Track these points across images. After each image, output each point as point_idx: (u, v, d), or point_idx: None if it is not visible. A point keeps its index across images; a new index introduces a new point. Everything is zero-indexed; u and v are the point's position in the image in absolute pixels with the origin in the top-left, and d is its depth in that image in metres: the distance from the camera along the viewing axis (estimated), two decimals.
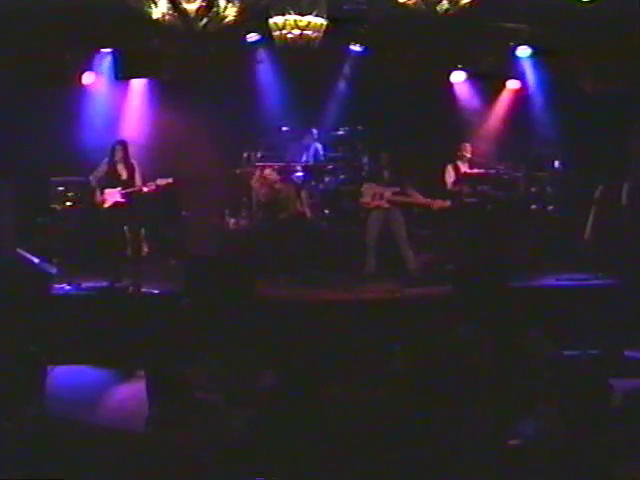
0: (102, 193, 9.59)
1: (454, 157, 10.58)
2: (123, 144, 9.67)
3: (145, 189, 9.65)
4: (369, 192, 10.00)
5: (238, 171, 11.00)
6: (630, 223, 9.74)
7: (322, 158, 11.19)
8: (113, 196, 9.58)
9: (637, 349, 7.49)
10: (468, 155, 10.56)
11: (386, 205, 9.88)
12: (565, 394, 3.85)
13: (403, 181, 9.98)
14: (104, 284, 9.08)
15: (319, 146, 11.18)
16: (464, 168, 10.53)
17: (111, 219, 9.65)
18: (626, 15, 9.54)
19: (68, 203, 10.18)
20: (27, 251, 8.76)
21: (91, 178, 9.67)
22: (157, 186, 9.68)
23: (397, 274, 9.75)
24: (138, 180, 9.67)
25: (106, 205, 9.60)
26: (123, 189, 9.57)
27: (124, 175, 9.63)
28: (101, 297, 8.73)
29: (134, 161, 9.72)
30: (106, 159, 9.64)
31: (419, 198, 10.02)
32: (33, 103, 10.31)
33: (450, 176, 10.47)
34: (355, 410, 5.43)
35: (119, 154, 9.59)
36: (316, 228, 10.60)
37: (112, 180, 9.60)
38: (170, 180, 9.75)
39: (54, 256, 9.51)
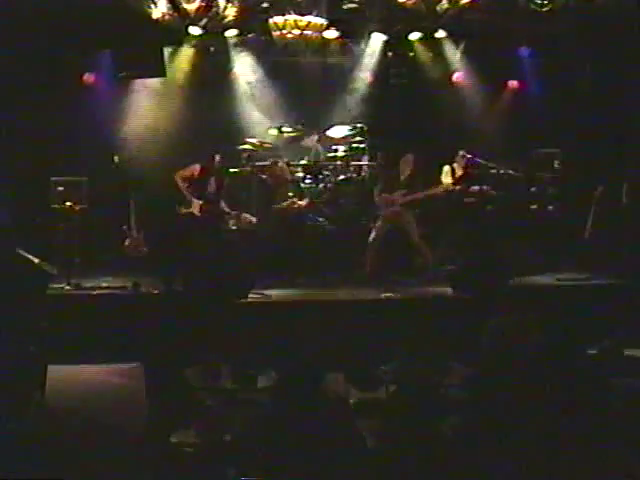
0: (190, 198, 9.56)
1: (452, 159, 10.55)
2: (221, 155, 9.71)
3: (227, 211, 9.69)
4: (382, 202, 9.92)
5: (238, 170, 10.98)
6: (630, 223, 9.73)
7: (322, 157, 11.17)
8: (194, 207, 9.59)
9: (637, 349, 7.49)
10: (464, 159, 10.50)
11: (398, 209, 9.84)
12: (565, 394, 3.85)
13: (411, 182, 9.95)
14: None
15: (319, 146, 11.15)
16: (460, 171, 10.48)
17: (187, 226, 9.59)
18: (626, 15, 9.55)
19: (68, 203, 10.08)
20: (27, 251, 8.73)
21: (176, 176, 9.62)
22: (246, 222, 9.72)
23: (396, 275, 9.77)
24: (222, 201, 9.66)
25: (183, 211, 9.58)
26: (205, 204, 9.54)
27: (211, 188, 9.64)
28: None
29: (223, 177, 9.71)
30: (197, 165, 9.65)
31: (426, 192, 9.95)
32: (33, 103, 10.29)
33: (447, 175, 10.45)
34: (355, 411, 5.44)
35: (215, 164, 9.65)
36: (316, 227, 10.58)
37: (196, 188, 9.58)
38: (254, 220, 9.83)
39: (56, 256, 9.48)
